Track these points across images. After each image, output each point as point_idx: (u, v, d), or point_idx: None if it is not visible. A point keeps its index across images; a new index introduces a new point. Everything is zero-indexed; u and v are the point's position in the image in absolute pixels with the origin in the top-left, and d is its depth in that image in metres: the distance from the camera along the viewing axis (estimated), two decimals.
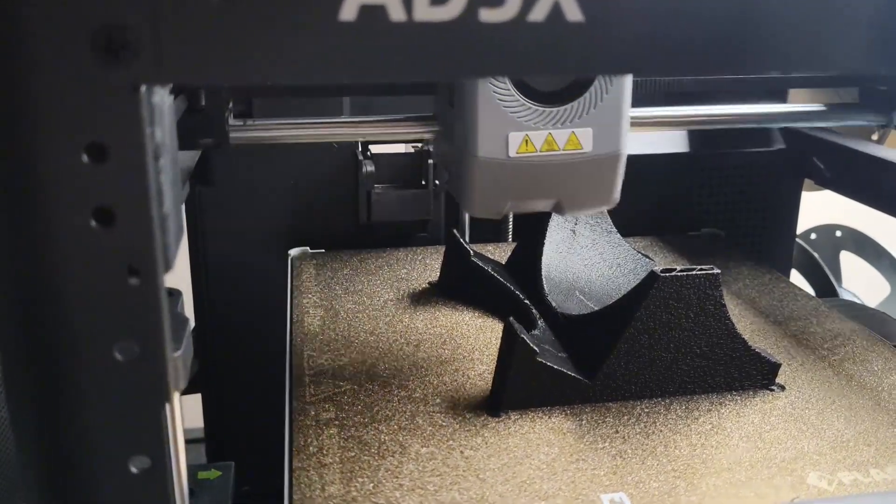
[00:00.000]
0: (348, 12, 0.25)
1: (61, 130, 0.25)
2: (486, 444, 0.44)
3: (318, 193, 0.72)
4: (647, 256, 0.66)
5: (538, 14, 0.26)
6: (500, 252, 0.70)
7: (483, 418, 0.46)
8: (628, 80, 0.46)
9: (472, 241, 0.76)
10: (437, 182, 0.72)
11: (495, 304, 0.59)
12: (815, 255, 0.91)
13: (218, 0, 0.24)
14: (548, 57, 0.26)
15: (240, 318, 0.75)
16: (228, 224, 0.73)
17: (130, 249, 0.26)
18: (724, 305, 0.47)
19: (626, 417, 0.46)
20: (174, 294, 0.39)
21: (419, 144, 0.73)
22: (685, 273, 0.46)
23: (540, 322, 0.54)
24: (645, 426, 0.46)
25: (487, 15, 0.26)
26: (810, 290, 0.90)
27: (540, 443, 0.44)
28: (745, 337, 0.49)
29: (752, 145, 0.79)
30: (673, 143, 0.78)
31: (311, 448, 0.43)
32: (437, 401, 0.48)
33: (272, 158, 0.71)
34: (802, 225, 0.97)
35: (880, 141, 0.76)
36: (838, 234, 0.99)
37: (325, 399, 0.48)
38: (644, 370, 0.48)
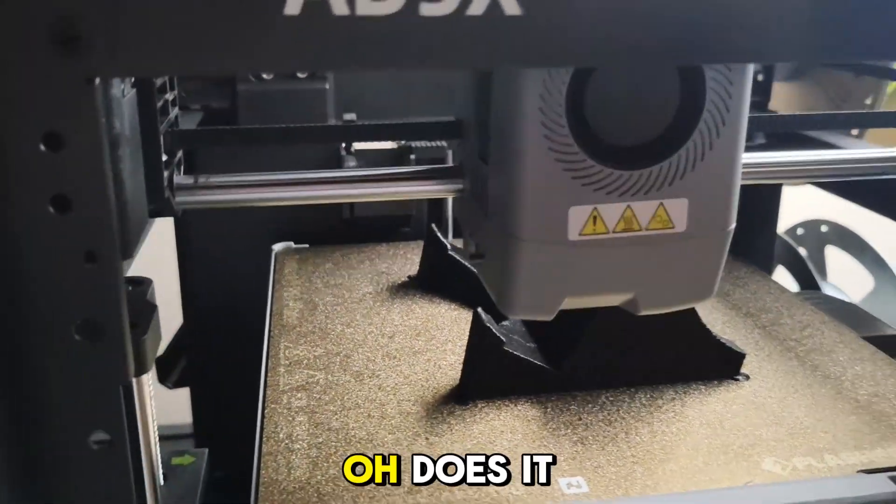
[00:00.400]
0: (293, 7, 0.26)
1: (18, 120, 0.26)
2: (451, 430, 0.45)
3: None
4: None
5: (477, 8, 0.27)
6: None
7: (450, 406, 0.47)
8: (741, 131, 0.34)
9: (457, 236, 0.78)
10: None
11: (472, 296, 0.60)
12: (799, 249, 0.91)
13: None
14: (487, 50, 0.27)
15: (226, 313, 0.76)
16: (214, 220, 0.74)
17: (87, 235, 0.28)
18: None
19: (590, 406, 0.47)
20: (144, 282, 0.40)
21: (402, 141, 0.74)
22: None
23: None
24: (608, 414, 0.47)
25: (428, 9, 0.27)
26: (795, 285, 0.91)
27: (504, 429, 0.45)
28: (716, 329, 0.50)
29: None
30: None
31: (280, 434, 0.44)
32: (407, 390, 0.49)
33: (256, 153, 0.72)
34: (790, 220, 0.98)
35: (860, 136, 0.77)
36: (824, 228, 1.00)
37: (298, 388, 0.49)
38: (609, 361, 0.49)
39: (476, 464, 0.41)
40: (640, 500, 0.39)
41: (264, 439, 0.44)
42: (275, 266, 0.68)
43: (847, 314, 0.62)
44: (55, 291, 0.28)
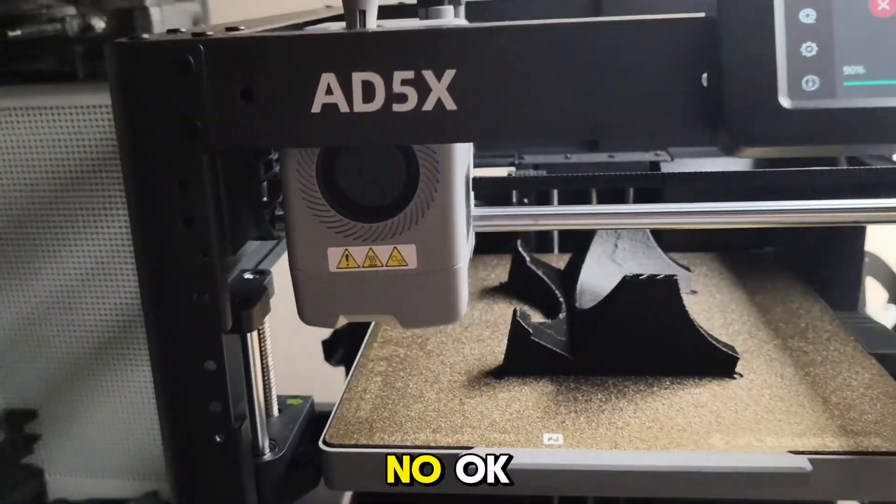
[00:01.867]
0: (316, 107, 0.43)
1: (163, 172, 0.45)
2: (482, 396, 0.60)
3: None
4: (686, 268, 0.78)
5: (428, 106, 0.42)
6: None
7: (488, 379, 0.62)
8: (457, 194, 0.46)
9: (561, 251, 0.91)
10: (524, 201, 0.87)
11: (541, 299, 0.75)
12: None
13: (242, 103, 0.43)
14: (435, 132, 0.43)
15: None
16: None
17: (203, 242, 0.46)
18: (683, 306, 0.60)
19: (595, 388, 0.60)
20: (265, 273, 0.59)
21: (513, 169, 0.89)
22: (648, 278, 0.60)
23: (562, 315, 0.69)
24: (608, 394, 0.59)
25: (398, 107, 0.43)
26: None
27: (521, 399, 0.59)
28: (741, 336, 0.61)
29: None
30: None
31: (359, 388, 0.62)
32: (462, 366, 0.65)
33: None
34: None
35: None
36: None
37: (382, 358, 0.66)
38: (616, 354, 0.61)
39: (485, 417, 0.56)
40: (583, 454, 0.52)
41: (346, 390, 0.61)
42: None
43: (878, 334, 0.69)
44: (184, 275, 0.46)
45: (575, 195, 0.87)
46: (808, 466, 0.50)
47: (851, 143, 0.38)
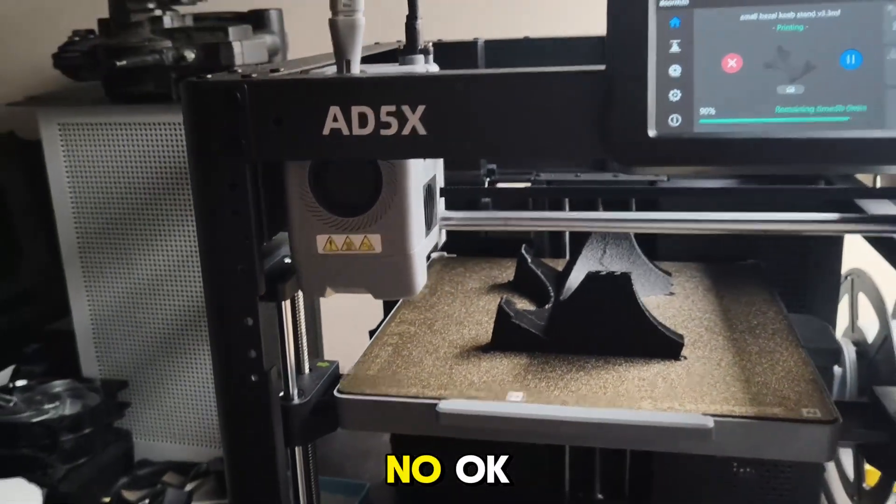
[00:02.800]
0: (325, 131, 0.59)
1: (217, 175, 0.61)
2: (468, 362, 0.74)
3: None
4: (666, 273, 0.90)
5: (406, 131, 0.57)
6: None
7: (477, 352, 0.77)
8: (411, 198, 0.61)
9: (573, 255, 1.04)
10: None
11: (536, 293, 0.88)
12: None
13: (274, 127, 0.59)
14: (410, 150, 0.58)
15: None
16: None
17: (245, 228, 0.62)
18: (635, 297, 0.73)
19: (561, 362, 0.74)
20: None
21: (529, 184, 1.03)
22: (606, 274, 0.73)
23: (548, 306, 0.83)
24: (570, 367, 0.73)
25: (384, 132, 0.58)
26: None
27: (499, 367, 0.73)
28: (694, 325, 0.73)
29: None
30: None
31: (372, 354, 0.77)
32: (459, 342, 0.79)
33: None
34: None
35: None
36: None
37: (395, 334, 0.81)
38: (581, 336, 0.75)
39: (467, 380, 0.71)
40: (535, 407, 0.66)
41: (363, 355, 0.77)
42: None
43: (816, 331, 0.80)
44: (231, 252, 0.63)
45: (583, 205, 1.01)
46: (710, 423, 0.62)
47: (705, 165, 0.51)
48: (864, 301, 1.08)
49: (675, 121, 0.51)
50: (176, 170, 1.26)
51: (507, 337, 0.76)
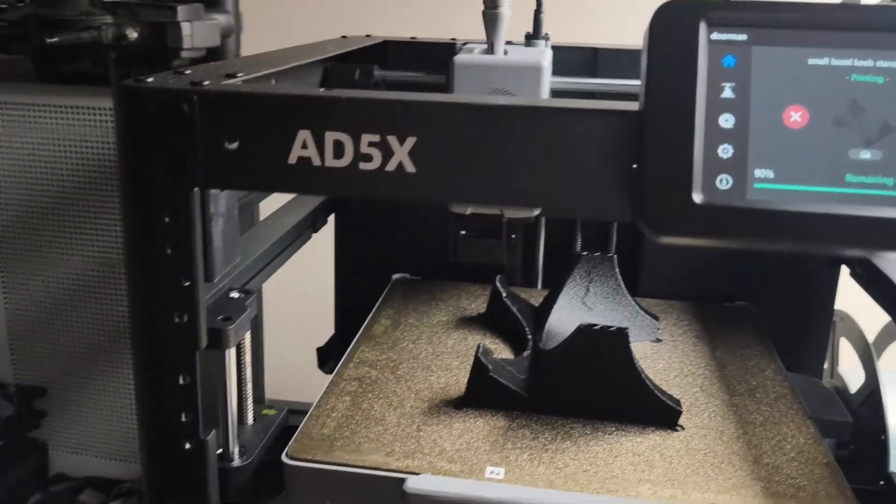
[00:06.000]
0: (292, 159, 0.48)
1: (156, 203, 0.50)
2: (439, 424, 0.65)
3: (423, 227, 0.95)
4: (654, 316, 0.82)
5: (390, 166, 0.47)
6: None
7: (448, 408, 0.67)
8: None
9: (545, 285, 0.96)
10: (512, 236, 0.92)
11: (511, 335, 0.79)
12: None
13: (229, 149, 0.48)
14: (395, 190, 0.48)
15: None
16: (363, 255, 0.98)
17: (185, 266, 0.52)
18: (632, 357, 0.64)
19: (545, 427, 0.65)
20: (250, 293, 0.64)
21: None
22: (600, 328, 0.64)
23: (527, 352, 0.74)
24: (555, 434, 0.64)
25: (364, 166, 0.48)
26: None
27: (474, 430, 0.64)
28: (694, 390, 0.65)
29: None
30: None
31: (327, 405, 0.67)
32: (427, 393, 0.69)
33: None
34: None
35: None
36: None
37: (354, 379, 0.71)
38: (567, 397, 0.65)
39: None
40: (518, 490, 0.56)
41: (316, 407, 0.66)
42: (388, 291, 0.90)
43: (825, 399, 0.73)
44: (167, 296, 0.52)
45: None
46: None
47: (757, 242, 0.42)
48: (844, 344, 1.02)
49: (724, 182, 0.42)
50: (110, 162, 1.12)
51: (484, 393, 0.67)
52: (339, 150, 0.47)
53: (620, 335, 0.64)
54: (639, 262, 0.91)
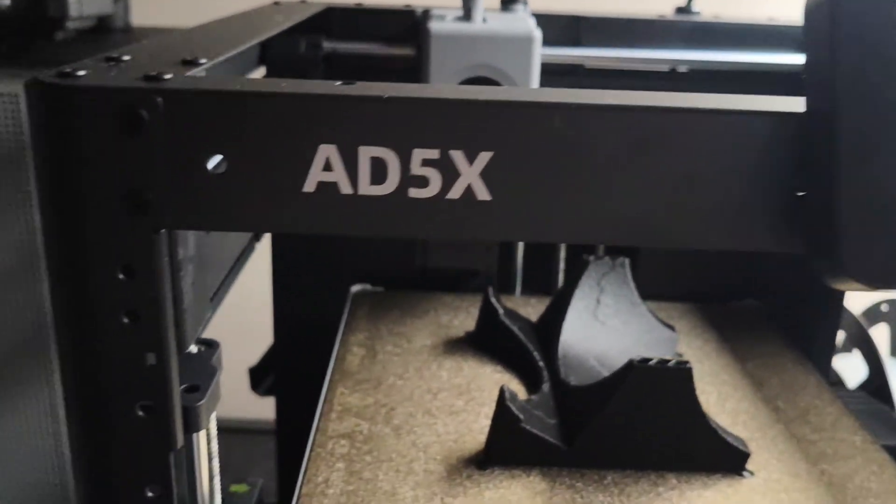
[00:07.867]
0: (309, 185, 0.33)
1: (104, 255, 0.35)
2: (465, 493, 0.52)
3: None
4: (670, 327, 0.71)
5: (455, 193, 0.33)
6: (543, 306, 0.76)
7: (470, 470, 0.54)
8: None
9: (524, 289, 0.84)
10: None
11: (516, 361, 0.67)
12: (876, 328, 0.91)
13: (212, 175, 0.33)
14: (461, 226, 0.34)
15: (308, 338, 0.84)
16: (303, 258, 0.83)
17: (150, 339, 0.36)
18: (696, 397, 0.53)
19: (594, 485, 0.53)
20: (213, 345, 0.49)
21: None
22: (659, 365, 0.52)
23: (545, 386, 0.61)
24: (609, 495, 0.52)
25: (415, 192, 0.33)
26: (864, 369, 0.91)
27: (512, 498, 0.51)
28: (739, 421, 0.54)
29: None
30: None
31: (319, 478, 0.52)
32: (437, 448, 0.56)
33: None
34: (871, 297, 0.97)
35: None
36: None
37: (343, 435, 0.57)
38: (618, 445, 0.54)
39: None
40: None
41: (305, 481, 0.52)
42: (350, 308, 0.76)
43: (879, 418, 0.64)
44: (127, 380, 0.36)
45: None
46: None
47: None
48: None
49: None
50: None
51: (512, 447, 0.54)
52: (379, 173, 0.33)
53: (683, 372, 0.52)
54: (636, 259, 0.81)
